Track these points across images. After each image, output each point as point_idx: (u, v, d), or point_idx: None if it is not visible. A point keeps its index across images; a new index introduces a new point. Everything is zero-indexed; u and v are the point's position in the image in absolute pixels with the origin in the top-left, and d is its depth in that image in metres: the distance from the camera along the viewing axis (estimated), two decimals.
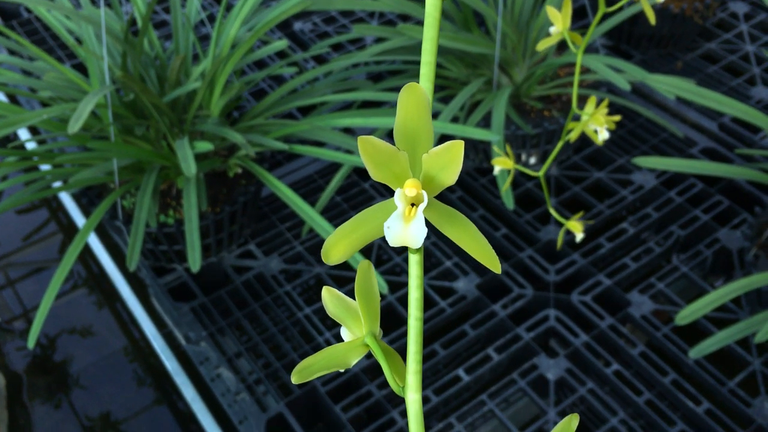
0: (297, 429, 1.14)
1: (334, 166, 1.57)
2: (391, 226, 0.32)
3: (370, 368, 1.24)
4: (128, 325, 1.43)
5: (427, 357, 1.24)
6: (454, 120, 1.46)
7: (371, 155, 0.32)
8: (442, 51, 1.50)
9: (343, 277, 1.39)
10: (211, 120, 1.32)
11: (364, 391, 1.20)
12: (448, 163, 0.32)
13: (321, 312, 1.33)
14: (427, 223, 0.33)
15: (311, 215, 1.23)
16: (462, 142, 0.32)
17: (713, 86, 1.74)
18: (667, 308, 1.30)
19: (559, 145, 0.97)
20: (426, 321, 1.28)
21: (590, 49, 1.60)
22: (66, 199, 1.62)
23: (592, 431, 1.16)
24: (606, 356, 1.23)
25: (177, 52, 1.39)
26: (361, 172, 1.58)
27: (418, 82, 0.33)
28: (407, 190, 0.32)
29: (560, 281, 1.34)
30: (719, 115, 1.65)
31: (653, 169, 1.53)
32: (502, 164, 0.99)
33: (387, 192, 1.54)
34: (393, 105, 1.48)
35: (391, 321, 1.31)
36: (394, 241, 0.32)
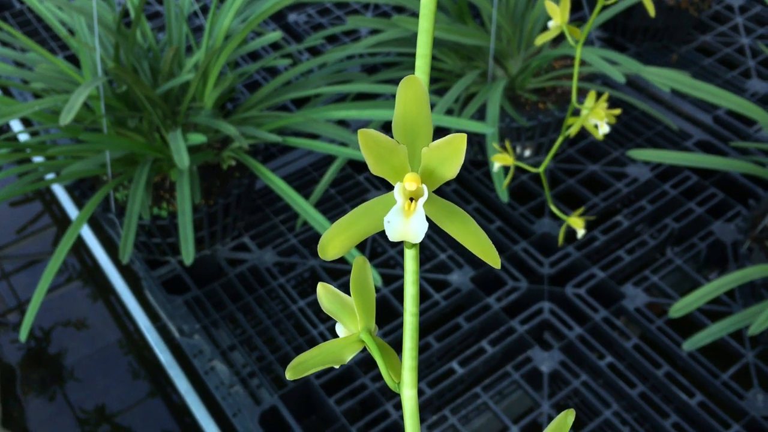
0: (291, 422, 1.14)
1: (329, 159, 1.57)
2: (392, 221, 0.32)
3: (364, 361, 1.24)
4: (122, 317, 1.43)
5: (421, 349, 1.24)
6: (449, 112, 1.45)
7: (371, 148, 0.32)
8: (436, 43, 1.50)
9: (338, 270, 1.39)
10: (205, 112, 1.32)
11: (358, 384, 1.20)
12: (449, 156, 0.32)
13: (315, 305, 1.33)
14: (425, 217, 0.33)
15: (305, 208, 1.23)
16: (464, 135, 0.31)
17: (708, 79, 1.74)
18: (661, 301, 1.30)
19: (559, 140, 0.96)
20: (420, 314, 1.28)
21: (585, 42, 1.59)
22: (59, 191, 1.62)
23: (585, 424, 1.16)
24: (600, 349, 1.23)
25: (170, 44, 1.39)
26: (355, 165, 1.57)
27: (414, 74, 0.33)
28: (407, 184, 0.32)
29: (554, 274, 1.34)
30: (714, 108, 1.65)
31: (648, 162, 1.53)
32: (501, 160, 0.98)
33: (382, 185, 1.54)
34: (388, 97, 1.47)
35: (386, 314, 1.31)
36: (394, 235, 0.32)
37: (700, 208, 1.44)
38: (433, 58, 1.55)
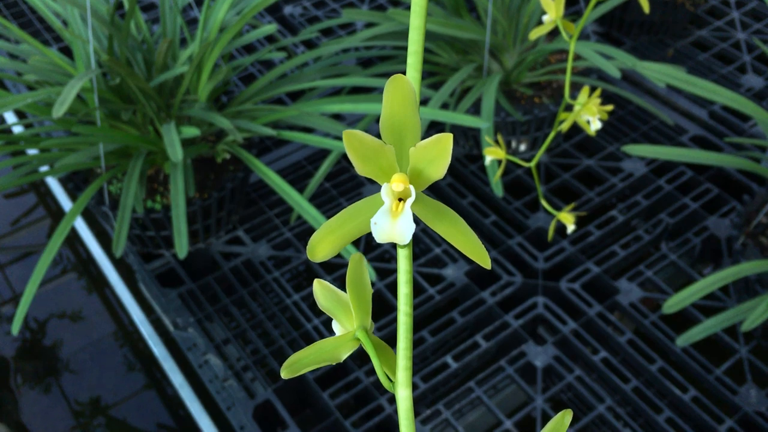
0: (285, 416, 1.14)
1: (323, 152, 1.56)
2: (378, 222, 0.32)
3: (359, 355, 1.24)
4: (117, 310, 1.43)
5: (415, 344, 1.24)
6: (444, 106, 1.45)
7: (357, 149, 0.32)
8: (432, 37, 1.49)
9: (333, 264, 1.39)
10: (199, 105, 1.31)
11: (352, 378, 1.20)
12: (437, 156, 0.32)
13: (310, 299, 1.33)
14: (415, 215, 0.33)
15: (299, 202, 1.22)
16: (450, 135, 0.31)
17: (704, 74, 1.74)
18: (655, 296, 1.30)
19: (551, 135, 0.96)
20: (415, 308, 1.28)
21: (581, 36, 1.59)
22: (53, 183, 1.61)
23: (579, 418, 1.16)
24: (594, 344, 1.24)
25: (164, 36, 1.38)
26: (350, 159, 1.57)
27: (401, 74, 0.32)
28: (394, 185, 0.32)
29: (549, 269, 1.34)
30: (709, 103, 1.65)
31: (643, 157, 1.53)
32: (493, 154, 0.99)
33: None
34: (383, 91, 1.47)
35: (381, 308, 1.31)
36: (381, 237, 0.32)
37: (694, 203, 1.44)
38: (429, 51, 1.55)
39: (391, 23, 1.44)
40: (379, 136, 0.33)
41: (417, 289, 1.32)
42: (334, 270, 1.38)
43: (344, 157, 1.57)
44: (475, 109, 1.43)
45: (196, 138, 1.34)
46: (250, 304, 1.32)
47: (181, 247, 1.18)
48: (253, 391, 1.19)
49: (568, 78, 0.91)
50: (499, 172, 1.03)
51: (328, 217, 0.34)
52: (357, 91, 1.59)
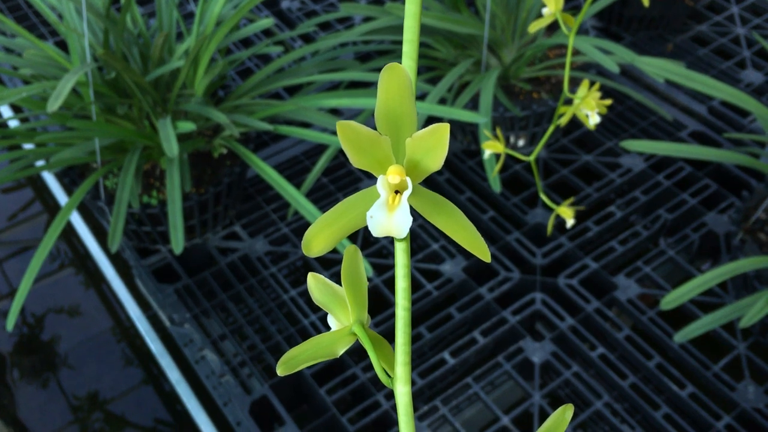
0: (281, 411, 1.14)
1: (321, 147, 1.56)
2: (375, 216, 0.31)
3: (356, 351, 1.24)
4: (113, 305, 1.42)
5: (412, 340, 1.24)
6: (442, 101, 1.44)
7: (351, 141, 0.31)
8: (430, 31, 1.48)
9: (329, 260, 1.38)
10: (195, 99, 1.30)
11: (349, 374, 1.19)
12: (434, 147, 0.31)
13: (307, 294, 1.33)
14: (412, 209, 0.32)
15: (296, 197, 1.22)
16: (447, 125, 0.30)
17: (703, 69, 1.73)
18: (653, 292, 1.30)
19: (550, 129, 0.96)
20: (412, 303, 1.27)
21: (580, 31, 1.58)
22: (49, 178, 1.61)
23: (577, 415, 1.16)
24: (591, 340, 1.23)
25: (160, 30, 1.37)
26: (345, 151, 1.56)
27: (396, 62, 0.32)
28: (390, 177, 0.31)
29: (547, 264, 1.34)
30: (709, 99, 1.64)
31: (641, 152, 1.53)
32: (492, 148, 0.98)
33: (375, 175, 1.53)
34: None
35: (378, 304, 1.31)
36: (377, 231, 0.31)
37: (693, 199, 1.44)
38: (427, 46, 1.54)
39: (389, 17, 1.43)
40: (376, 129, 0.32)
41: (414, 285, 1.32)
42: (332, 265, 1.37)
43: (342, 152, 1.56)
44: (473, 105, 1.42)
45: (193, 133, 1.33)
46: (247, 299, 1.31)
47: (178, 242, 1.17)
48: (249, 387, 1.19)
49: (567, 71, 0.90)
50: (498, 166, 1.02)
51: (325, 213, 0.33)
52: (355, 85, 1.58)
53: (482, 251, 0.33)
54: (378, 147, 0.31)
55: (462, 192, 1.48)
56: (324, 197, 1.47)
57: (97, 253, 1.44)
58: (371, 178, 1.51)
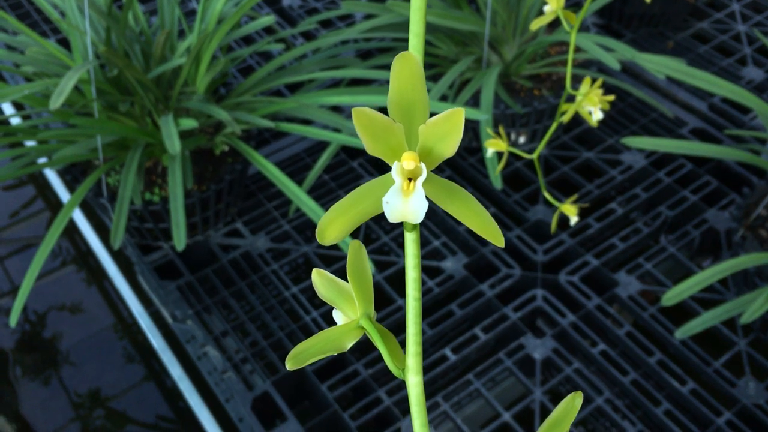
0: (283, 407, 1.14)
1: (322, 145, 1.56)
2: (390, 201, 0.31)
3: (357, 347, 1.24)
4: (116, 302, 1.43)
5: None
6: (443, 98, 1.45)
7: (366, 127, 0.31)
8: (431, 29, 1.49)
9: (331, 257, 1.39)
10: (197, 97, 1.31)
11: (351, 371, 1.20)
12: (448, 133, 0.31)
13: (308, 291, 1.33)
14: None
15: (297, 194, 1.22)
16: (462, 110, 0.30)
17: (704, 66, 1.73)
18: (654, 288, 1.30)
19: (553, 126, 0.96)
20: None
21: (581, 28, 1.58)
22: (51, 176, 1.61)
23: (578, 411, 1.16)
24: (592, 336, 1.24)
25: (162, 27, 1.37)
26: (349, 151, 1.56)
27: (408, 51, 0.32)
28: (405, 162, 0.31)
29: (548, 261, 1.34)
30: (709, 96, 1.64)
31: (642, 149, 1.53)
32: (494, 146, 0.98)
33: (376, 171, 1.53)
34: (382, 83, 1.47)
35: (380, 300, 1.31)
36: (393, 216, 0.31)
37: (694, 195, 1.44)
38: (428, 43, 1.54)
39: (391, 15, 1.44)
40: None
41: None
42: (333, 262, 1.37)
43: (343, 149, 1.56)
44: (474, 101, 1.43)
45: (195, 130, 1.34)
46: (248, 296, 1.32)
47: (180, 239, 1.18)
48: (251, 383, 1.19)
49: (569, 68, 0.91)
50: (501, 164, 1.03)
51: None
52: (356, 83, 1.59)
53: (496, 236, 0.33)
54: (392, 134, 0.31)
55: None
56: (325, 194, 1.48)
57: (99, 250, 1.44)
58: (372, 176, 1.51)
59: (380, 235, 1.41)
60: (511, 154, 1.52)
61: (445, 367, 1.20)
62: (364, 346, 1.24)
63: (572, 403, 0.36)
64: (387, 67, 1.48)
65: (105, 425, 1.26)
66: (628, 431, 1.13)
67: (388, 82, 1.41)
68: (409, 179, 0.31)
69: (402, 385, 1.19)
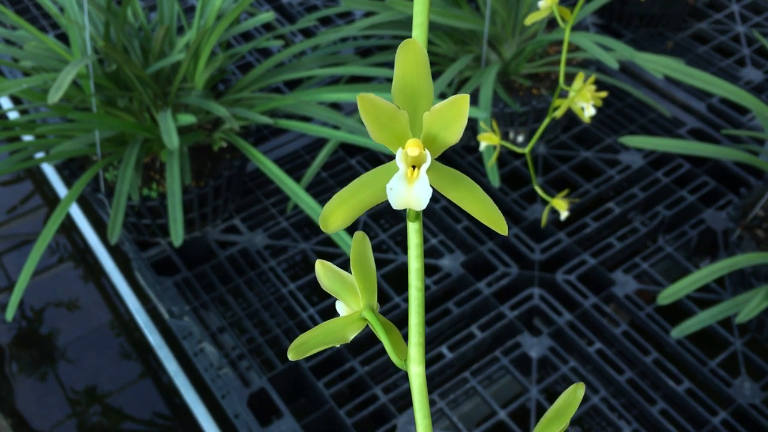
0: (279, 404, 1.14)
1: (321, 142, 1.56)
2: (394, 188, 0.31)
3: (353, 344, 1.24)
4: (113, 298, 1.43)
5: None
6: (442, 96, 1.45)
7: (371, 114, 0.31)
8: (431, 27, 1.48)
9: (329, 254, 1.39)
10: (195, 92, 1.31)
11: (347, 368, 1.20)
12: (452, 119, 0.31)
13: (306, 288, 1.33)
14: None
15: (296, 191, 1.22)
16: (467, 96, 0.30)
17: (703, 66, 1.73)
18: (650, 288, 1.30)
19: (546, 121, 0.96)
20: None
21: (580, 27, 1.58)
22: (49, 171, 1.61)
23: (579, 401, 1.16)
24: (589, 335, 1.24)
25: (161, 23, 1.37)
26: (347, 148, 1.56)
27: (413, 38, 0.32)
28: (409, 149, 0.31)
29: (545, 260, 1.34)
30: (708, 96, 1.65)
31: (640, 149, 1.53)
32: (487, 140, 0.99)
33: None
34: (381, 80, 1.46)
35: (378, 298, 1.31)
36: (397, 203, 0.31)
37: (691, 195, 1.44)
38: (428, 42, 1.54)
39: (390, 12, 1.44)
40: None
41: None
42: (331, 259, 1.37)
43: (342, 146, 1.56)
44: (473, 100, 1.43)
45: (193, 126, 1.34)
46: (246, 293, 1.32)
47: (177, 235, 1.18)
48: (248, 380, 1.19)
49: (563, 64, 0.91)
50: (494, 157, 1.03)
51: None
52: (355, 80, 1.59)
53: (499, 225, 0.33)
54: (396, 121, 0.31)
55: None
56: (324, 191, 1.48)
57: (97, 245, 1.44)
58: None
59: (378, 233, 1.41)
60: (510, 153, 1.52)
61: (442, 365, 1.20)
62: (361, 343, 1.25)
63: (574, 395, 0.36)
64: (386, 64, 1.48)
65: (101, 421, 1.26)
66: (623, 430, 1.13)
67: (387, 80, 1.41)
68: (413, 166, 0.31)
69: (399, 383, 1.19)
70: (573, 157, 1.54)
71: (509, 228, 1.40)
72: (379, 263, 1.36)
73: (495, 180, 1.32)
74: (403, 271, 1.35)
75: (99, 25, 1.35)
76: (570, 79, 1.46)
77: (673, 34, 1.84)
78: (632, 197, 1.45)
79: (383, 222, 1.44)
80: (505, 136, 1.51)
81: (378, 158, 1.52)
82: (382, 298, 1.31)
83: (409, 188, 0.31)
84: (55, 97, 0.99)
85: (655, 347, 1.22)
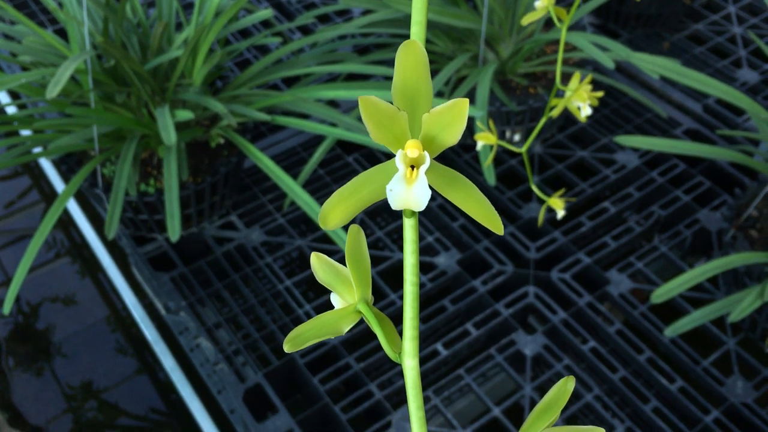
0: (275, 400, 1.15)
1: (318, 139, 1.56)
2: (394, 189, 0.31)
3: (349, 341, 1.25)
4: (110, 294, 1.43)
5: None
6: (439, 95, 1.45)
7: (372, 115, 0.31)
8: (428, 25, 1.49)
9: (325, 250, 1.39)
10: (193, 89, 1.31)
11: (342, 364, 1.20)
12: (451, 122, 0.31)
13: (302, 284, 1.34)
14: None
15: (293, 188, 1.23)
16: (467, 101, 0.31)
17: (699, 67, 1.74)
18: (645, 287, 1.31)
19: (542, 121, 0.97)
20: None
21: (577, 27, 1.59)
22: (47, 166, 1.61)
23: (567, 407, 1.17)
24: (583, 333, 1.24)
25: (160, 19, 1.38)
26: (344, 146, 1.57)
27: (413, 39, 0.32)
28: (408, 151, 0.31)
29: (540, 258, 1.35)
30: (704, 97, 1.65)
31: (636, 149, 1.54)
32: (484, 140, 0.99)
33: (371, 166, 1.53)
34: (379, 78, 1.47)
35: (374, 295, 1.31)
36: (396, 204, 0.31)
37: (686, 196, 1.45)
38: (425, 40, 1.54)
39: (388, 10, 1.44)
40: None
41: None
42: (328, 256, 1.38)
43: (339, 144, 1.57)
44: (470, 99, 1.43)
45: (190, 122, 1.34)
46: (242, 289, 1.32)
47: (174, 230, 1.18)
48: (243, 375, 1.19)
49: (559, 63, 0.91)
50: (490, 157, 1.03)
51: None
52: (353, 78, 1.59)
53: (495, 224, 0.33)
54: (396, 122, 0.32)
55: None
56: (320, 188, 1.48)
57: (94, 240, 1.45)
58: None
59: (374, 230, 1.42)
60: (506, 152, 1.53)
61: (437, 362, 1.21)
62: (356, 339, 1.25)
63: (564, 387, 0.37)
64: (384, 62, 1.48)
65: (97, 416, 1.27)
66: (617, 428, 1.14)
67: (385, 77, 1.41)
68: (412, 167, 0.32)
69: (393, 379, 1.19)
70: (569, 156, 1.55)
71: (505, 226, 1.41)
72: (375, 260, 1.36)
73: (491, 179, 1.32)
74: (398, 268, 1.36)
75: (98, 21, 1.35)
76: (566, 78, 1.47)
77: (670, 35, 1.84)
78: (627, 197, 1.46)
79: (379, 219, 1.45)
80: (501, 135, 1.52)
81: (375, 156, 1.53)
82: (378, 294, 1.31)
83: (408, 189, 0.31)
84: (53, 92, 1.00)
85: (648, 346, 1.23)
